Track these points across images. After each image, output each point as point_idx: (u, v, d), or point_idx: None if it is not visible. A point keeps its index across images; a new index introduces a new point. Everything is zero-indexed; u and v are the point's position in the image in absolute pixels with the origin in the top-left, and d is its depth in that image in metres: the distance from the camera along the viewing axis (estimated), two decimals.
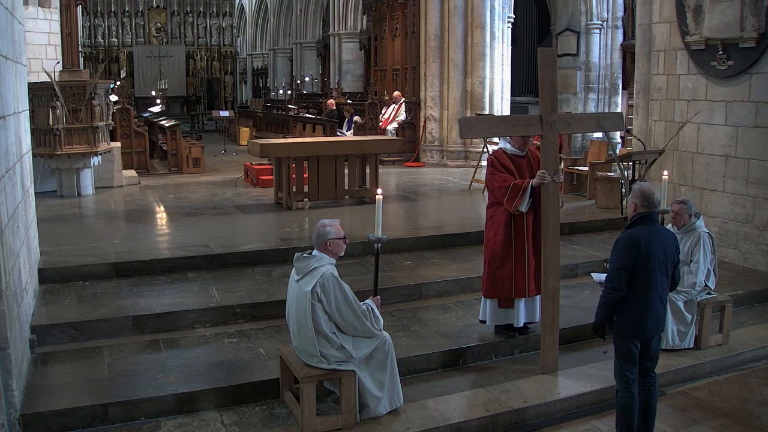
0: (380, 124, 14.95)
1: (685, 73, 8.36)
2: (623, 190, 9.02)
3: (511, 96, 14.88)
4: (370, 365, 4.48)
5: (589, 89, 17.41)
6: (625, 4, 17.16)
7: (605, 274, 4.40)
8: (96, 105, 9.71)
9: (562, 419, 4.83)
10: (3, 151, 4.46)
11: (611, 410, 4.87)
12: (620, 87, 17.51)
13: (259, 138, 14.24)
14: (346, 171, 9.99)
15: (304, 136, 14.55)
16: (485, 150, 11.28)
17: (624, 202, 8.45)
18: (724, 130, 7.90)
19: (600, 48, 17.30)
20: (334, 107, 16.31)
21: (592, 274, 4.81)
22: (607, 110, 16.98)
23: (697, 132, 8.23)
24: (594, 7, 17.11)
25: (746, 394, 5.25)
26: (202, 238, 7.65)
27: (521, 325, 5.57)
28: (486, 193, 6.85)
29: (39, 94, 9.39)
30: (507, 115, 11.85)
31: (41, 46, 13.06)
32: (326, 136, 13.71)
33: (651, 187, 4.39)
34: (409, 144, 14.64)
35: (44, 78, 9.47)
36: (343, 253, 4.48)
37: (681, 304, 5.70)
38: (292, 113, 18.67)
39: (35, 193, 6.74)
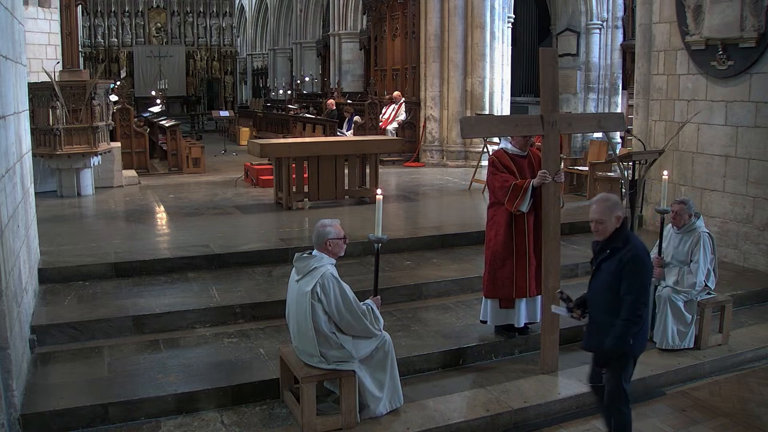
0: (380, 124, 14.95)
1: (685, 73, 8.36)
2: (623, 190, 9.02)
3: (511, 96, 14.88)
4: (370, 365, 4.48)
5: (589, 89, 17.41)
6: (625, 4, 17.16)
7: (566, 308, 4.14)
8: (96, 105, 9.71)
9: (562, 419, 4.83)
10: (3, 151, 4.46)
11: None
12: (620, 87, 17.51)
13: (259, 138, 14.24)
14: (346, 171, 9.99)
15: (304, 136, 14.55)
16: (485, 150, 11.28)
17: (624, 202, 8.45)
18: (724, 130, 7.90)
19: (600, 48, 17.30)
20: (334, 107, 16.31)
21: (553, 309, 4.40)
22: (607, 110, 16.98)
23: (697, 132, 8.23)
24: (594, 7, 17.11)
25: (746, 394, 5.25)
26: (202, 238, 7.64)
27: (522, 325, 5.58)
28: (486, 193, 6.84)
29: (39, 94, 9.39)
30: (508, 115, 11.85)
31: (41, 46, 13.06)
32: (326, 136, 13.71)
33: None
34: (409, 144, 14.64)
35: (44, 78, 9.47)
36: (343, 253, 4.48)
37: (681, 304, 5.70)
38: (292, 113, 18.67)
39: (35, 193, 6.74)
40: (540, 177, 5.14)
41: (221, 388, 4.71)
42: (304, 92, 25.90)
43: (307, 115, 17.58)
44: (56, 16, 11.84)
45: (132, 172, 12.17)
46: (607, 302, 3.90)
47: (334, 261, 4.41)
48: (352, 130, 14.84)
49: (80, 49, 11.67)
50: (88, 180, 10.54)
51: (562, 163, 8.62)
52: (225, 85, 33.29)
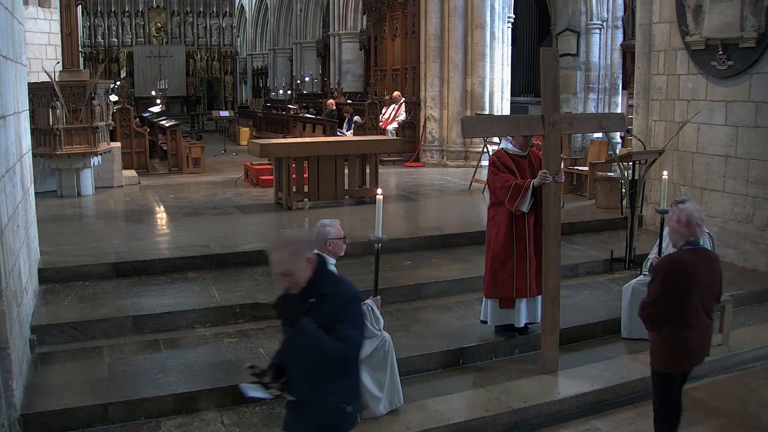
0: (380, 124, 14.95)
1: (685, 73, 8.36)
2: (623, 190, 9.02)
3: (511, 96, 14.88)
4: (370, 365, 4.49)
5: (589, 89, 17.39)
6: (625, 4, 17.15)
7: (262, 387, 3.10)
8: (96, 105, 9.72)
9: (562, 419, 4.83)
10: (3, 151, 4.46)
11: (611, 410, 4.89)
12: (620, 87, 17.50)
13: (259, 138, 14.24)
14: (346, 171, 9.99)
15: (304, 136, 14.55)
16: (485, 150, 11.28)
17: (624, 202, 8.45)
18: (724, 130, 7.90)
19: (600, 48, 17.28)
20: (334, 107, 16.31)
21: (247, 391, 3.13)
22: (607, 110, 16.96)
23: (697, 132, 8.22)
24: (594, 7, 17.10)
25: (746, 394, 5.25)
26: (202, 238, 7.64)
27: (522, 325, 5.58)
28: (486, 193, 6.83)
29: (39, 94, 9.39)
30: (509, 115, 11.84)
31: (41, 46, 13.05)
32: (326, 136, 13.71)
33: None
34: (409, 144, 14.63)
35: (44, 78, 9.47)
36: (343, 253, 4.48)
37: None
38: (292, 113, 18.67)
39: (35, 193, 6.74)
40: (540, 177, 5.14)
41: (221, 388, 4.71)
42: (304, 92, 25.88)
43: (307, 115, 17.57)
44: (56, 16, 11.83)
45: (132, 172, 12.17)
46: (324, 363, 3.00)
47: (334, 261, 4.41)
48: (352, 130, 14.83)
49: (80, 49, 11.67)
50: (88, 180, 10.54)
51: (563, 163, 8.64)
52: (225, 85, 33.25)
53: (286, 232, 3.14)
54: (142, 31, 31.32)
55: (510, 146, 5.53)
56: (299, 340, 2.95)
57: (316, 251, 3.03)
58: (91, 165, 10.37)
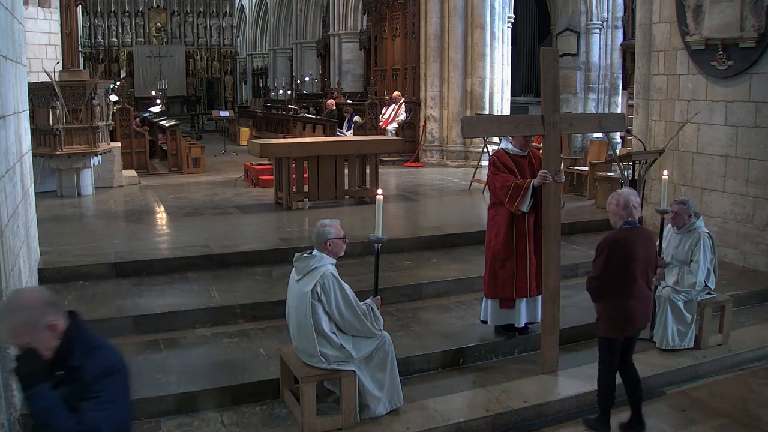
0: (380, 124, 14.95)
1: (685, 73, 8.36)
2: None
3: (511, 96, 14.88)
4: (370, 365, 4.49)
5: (589, 89, 17.38)
6: (625, 4, 17.15)
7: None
8: (96, 105, 9.72)
9: (561, 419, 4.83)
10: (3, 151, 4.46)
11: (611, 410, 4.87)
12: (620, 87, 17.49)
13: (259, 138, 14.24)
14: (346, 171, 9.99)
15: (304, 136, 14.55)
16: (485, 150, 11.28)
17: None
18: (724, 130, 7.90)
19: (600, 48, 17.27)
20: (334, 107, 16.31)
21: None
22: (607, 110, 16.95)
23: (697, 132, 8.22)
24: (594, 7, 17.09)
25: (746, 394, 5.25)
26: (202, 238, 7.64)
27: (522, 325, 5.58)
28: (486, 193, 6.83)
29: (39, 94, 9.39)
30: (509, 115, 11.84)
31: (41, 46, 13.06)
32: (326, 136, 13.71)
33: None
34: (409, 144, 14.64)
35: (44, 78, 9.47)
36: (343, 253, 4.49)
37: (681, 304, 5.69)
38: (292, 113, 18.67)
39: (35, 193, 6.74)
40: (540, 177, 5.14)
41: (221, 388, 4.71)
42: (304, 92, 25.87)
43: (307, 115, 17.57)
44: (56, 16, 11.83)
45: (132, 172, 12.17)
46: None
47: (334, 261, 4.41)
48: (352, 130, 14.83)
49: (80, 49, 11.67)
50: (88, 180, 10.54)
51: (563, 163, 8.63)
52: (225, 85, 33.26)
53: (17, 294, 2.54)
54: (142, 31, 31.33)
55: (510, 146, 5.54)
56: (34, 409, 2.47)
57: (68, 310, 2.55)
58: (91, 165, 10.37)
